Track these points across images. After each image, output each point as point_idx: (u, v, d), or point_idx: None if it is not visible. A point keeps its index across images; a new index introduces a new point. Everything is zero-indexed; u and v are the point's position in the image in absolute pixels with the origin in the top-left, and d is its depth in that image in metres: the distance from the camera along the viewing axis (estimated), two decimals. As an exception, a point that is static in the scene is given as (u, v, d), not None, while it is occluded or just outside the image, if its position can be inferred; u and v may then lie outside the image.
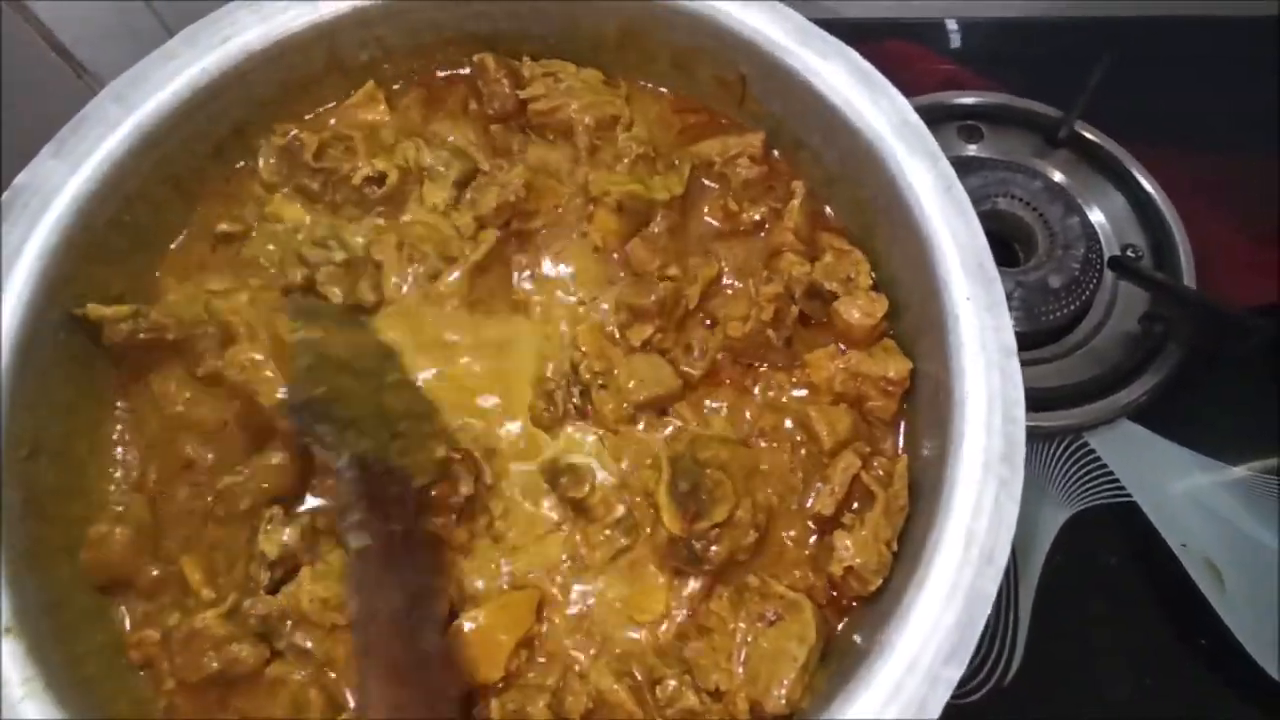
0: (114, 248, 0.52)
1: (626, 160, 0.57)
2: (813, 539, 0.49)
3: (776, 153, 0.59)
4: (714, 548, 0.46)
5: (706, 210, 0.57)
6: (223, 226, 0.55)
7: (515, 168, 0.56)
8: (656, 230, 0.55)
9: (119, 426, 0.52)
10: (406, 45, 0.59)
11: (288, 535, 0.46)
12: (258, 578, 0.46)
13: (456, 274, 0.53)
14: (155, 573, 0.48)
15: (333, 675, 0.45)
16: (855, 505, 0.49)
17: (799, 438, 0.51)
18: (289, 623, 0.45)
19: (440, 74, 0.61)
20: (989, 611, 0.40)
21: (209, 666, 0.44)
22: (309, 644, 0.45)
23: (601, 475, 0.50)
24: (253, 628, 0.45)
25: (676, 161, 0.57)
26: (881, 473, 0.49)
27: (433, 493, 0.47)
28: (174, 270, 0.55)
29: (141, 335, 0.50)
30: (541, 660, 0.46)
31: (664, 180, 0.56)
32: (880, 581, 0.46)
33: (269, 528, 0.47)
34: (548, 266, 0.56)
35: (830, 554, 0.47)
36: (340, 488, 0.44)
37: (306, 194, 0.56)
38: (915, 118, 0.52)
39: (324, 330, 0.49)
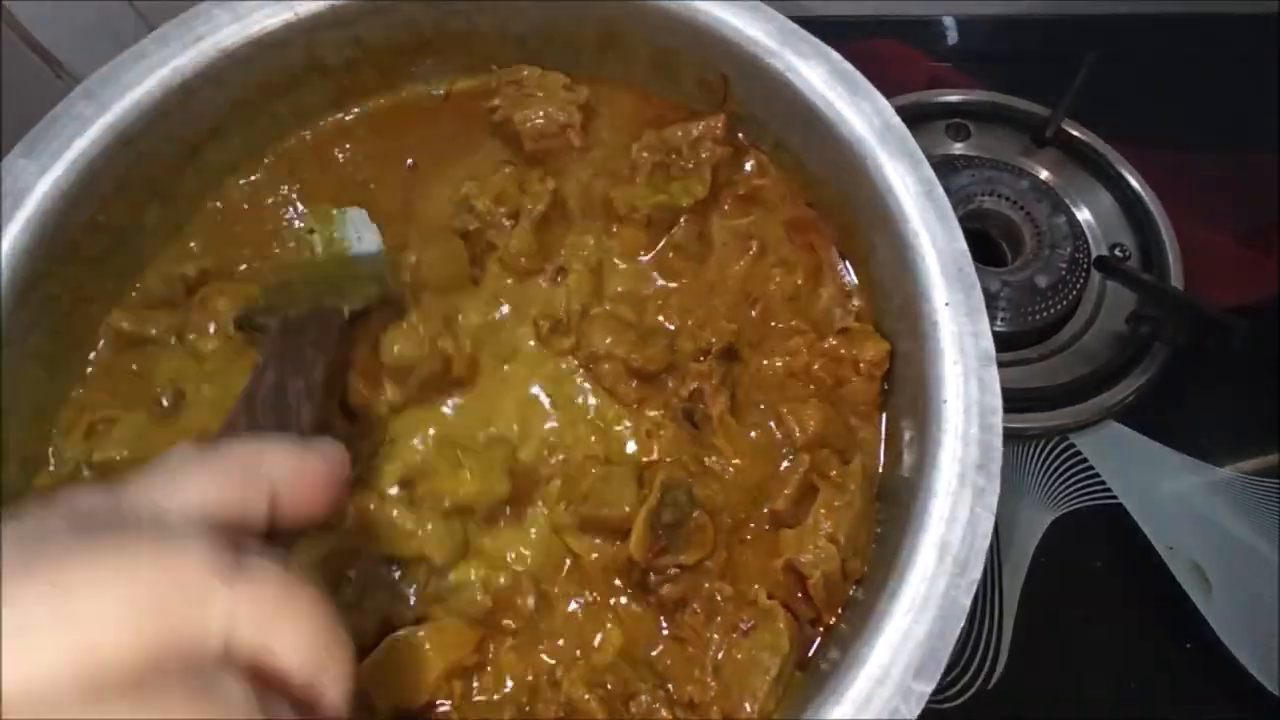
0: (88, 249, 0.52)
1: (644, 171, 0.56)
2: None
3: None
4: (667, 586, 0.46)
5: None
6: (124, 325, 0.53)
7: None
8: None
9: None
10: (385, 44, 0.59)
11: None
12: None
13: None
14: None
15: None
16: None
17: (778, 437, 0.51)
18: None
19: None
20: (962, 624, 0.40)
21: None
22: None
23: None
24: None
25: (692, 164, 0.57)
26: (834, 473, 0.49)
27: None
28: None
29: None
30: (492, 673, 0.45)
31: (684, 185, 0.56)
32: (819, 575, 0.45)
33: None
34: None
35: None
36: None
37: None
38: (897, 121, 0.51)
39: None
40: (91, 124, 0.50)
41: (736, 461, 0.50)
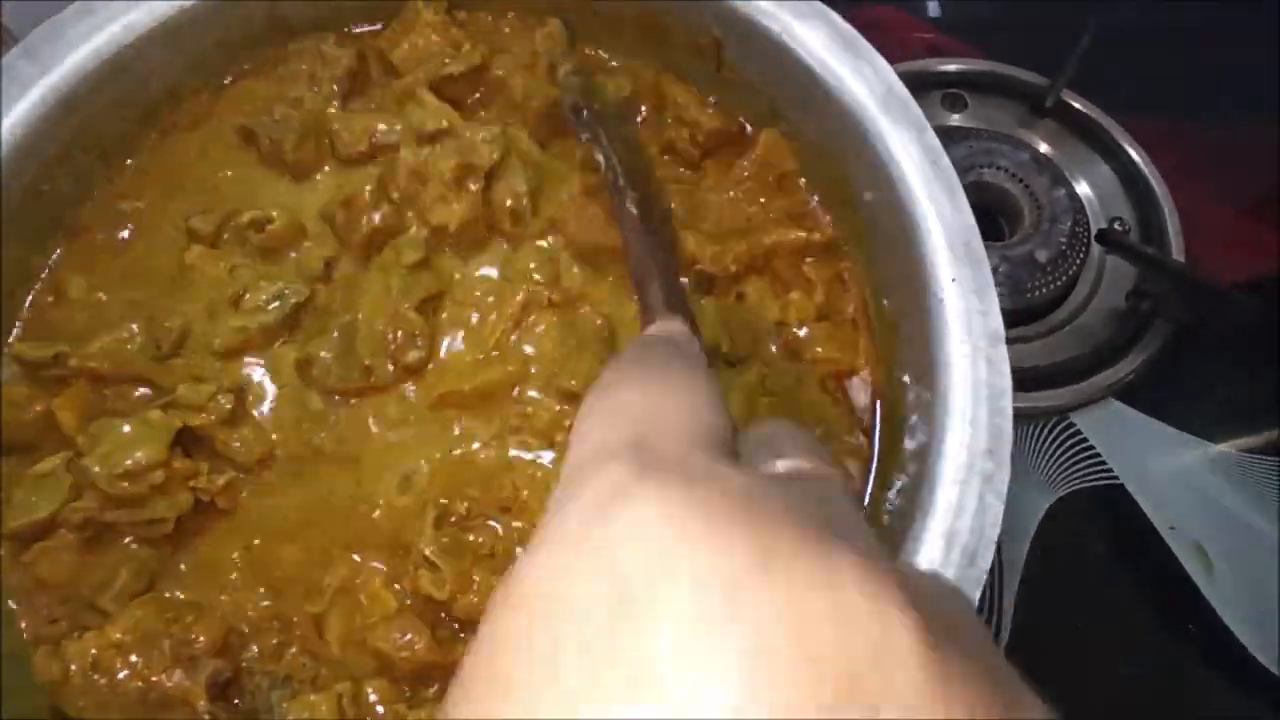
0: (32, 221, 0.48)
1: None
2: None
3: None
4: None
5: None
6: None
7: None
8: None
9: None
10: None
11: None
12: None
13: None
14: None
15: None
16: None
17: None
18: None
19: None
20: (972, 619, 0.37)
21: None
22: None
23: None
24: None
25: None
26: None
27: None
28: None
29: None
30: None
31: (614, 83, 0.54)
32: None
33: None
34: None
35: None
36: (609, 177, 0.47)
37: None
38: (900, 86, 0.48)
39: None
40: (32, 85, 0.46)
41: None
